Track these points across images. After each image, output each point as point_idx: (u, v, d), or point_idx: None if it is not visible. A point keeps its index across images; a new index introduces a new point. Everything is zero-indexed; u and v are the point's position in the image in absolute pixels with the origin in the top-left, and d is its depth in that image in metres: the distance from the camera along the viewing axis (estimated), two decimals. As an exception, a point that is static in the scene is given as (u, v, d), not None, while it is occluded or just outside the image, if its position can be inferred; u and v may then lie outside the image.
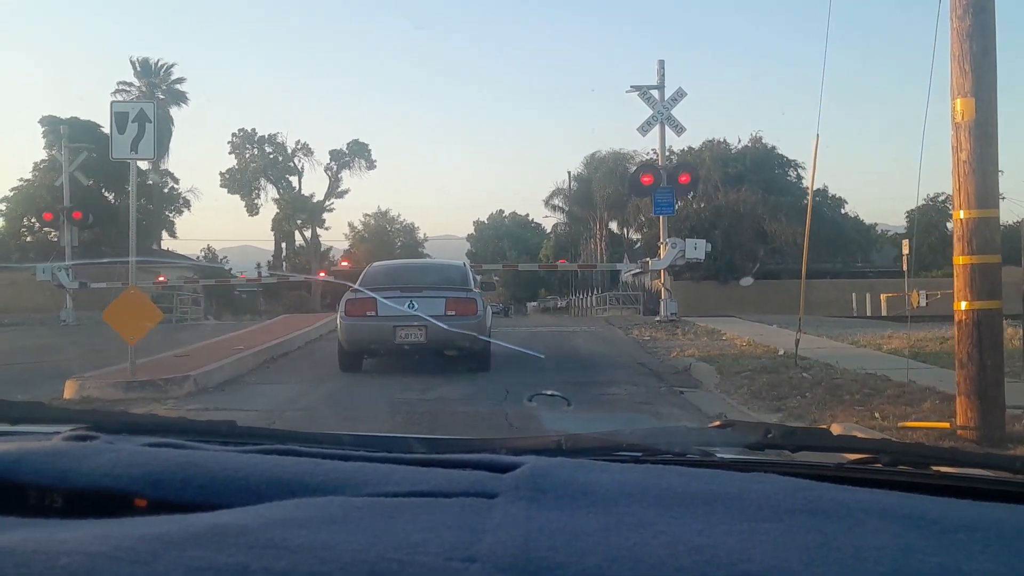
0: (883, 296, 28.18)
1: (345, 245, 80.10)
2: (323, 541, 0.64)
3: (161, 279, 24.89)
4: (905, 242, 30.15)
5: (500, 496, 0.76)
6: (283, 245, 58.67)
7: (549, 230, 72.18)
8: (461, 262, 13.64)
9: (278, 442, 1.04)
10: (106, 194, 44.54)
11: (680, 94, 18.00)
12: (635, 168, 18.76)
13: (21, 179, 42.64)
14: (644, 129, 18.11)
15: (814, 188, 12.14)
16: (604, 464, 0.92)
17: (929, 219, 41.23)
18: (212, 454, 0.89)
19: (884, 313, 27.00)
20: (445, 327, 9.88)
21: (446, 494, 0.77)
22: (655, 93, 18.19)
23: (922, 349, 12.09)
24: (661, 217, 18.45)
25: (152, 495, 0.78)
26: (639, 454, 1.07)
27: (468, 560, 0.61)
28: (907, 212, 42.66)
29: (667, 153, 48.31)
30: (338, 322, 10.74)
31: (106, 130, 44.17)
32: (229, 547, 0.63)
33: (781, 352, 11.98)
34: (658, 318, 18.19)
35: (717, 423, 1.33)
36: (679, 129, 18.12)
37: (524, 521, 0.69)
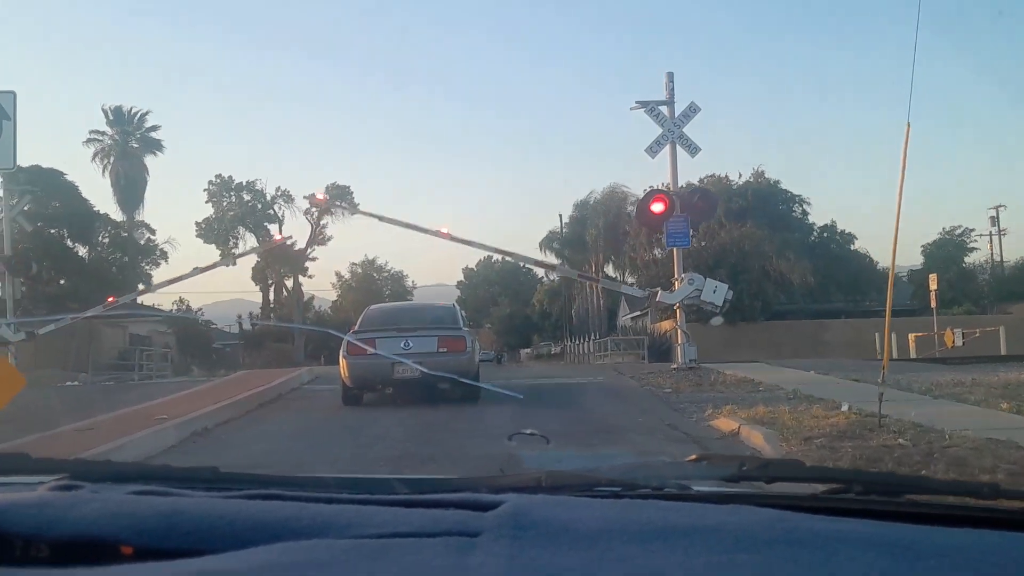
0: (911, 336, 25.82)
1: (332, 294, 78.58)
2: None
3: (110, 300, 22.14)
4: (933, 276, 27.95)
5: (483, 535, 0.76)
6: (271, 296, 56.26)
7: (541, 275, 70.72)
8: (452, 304, 14.54)
9: (261, 487, 1.02)
10: (73, 246, 41.96)
11: (693, 109, 15.82)
12: (644, 194, 16.27)
13: (-21, 230, 40.07)
14: (653, 150, 15.88)
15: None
16: (584, 500, 0.94)
17: (946, 253, 39.13)
18: (197, 500, 0.88)
19: (913, 355, 24.66)
20: (431, 369, 10.16)
21: (429, 534, 0.77)
22: (664, 109, 16.01)
23: (1019, 398, 9.68)
24: (675, 250, 16.15)
25: (138, 543, 0.78)
26: (618, 489, 1.06)
27: None
28: (923, 247, 40.48)
29: (663, 188, 46.69)
30: (341, 361, 11.55)
31: (71, 178, 41.67)
32: None
33: (845, 408, 9.55)
34: (674, 366, 15.75)
35: (693, 456, 1.31)
36: (693, 149, 15.90)
37: (507, 559, 0.70)
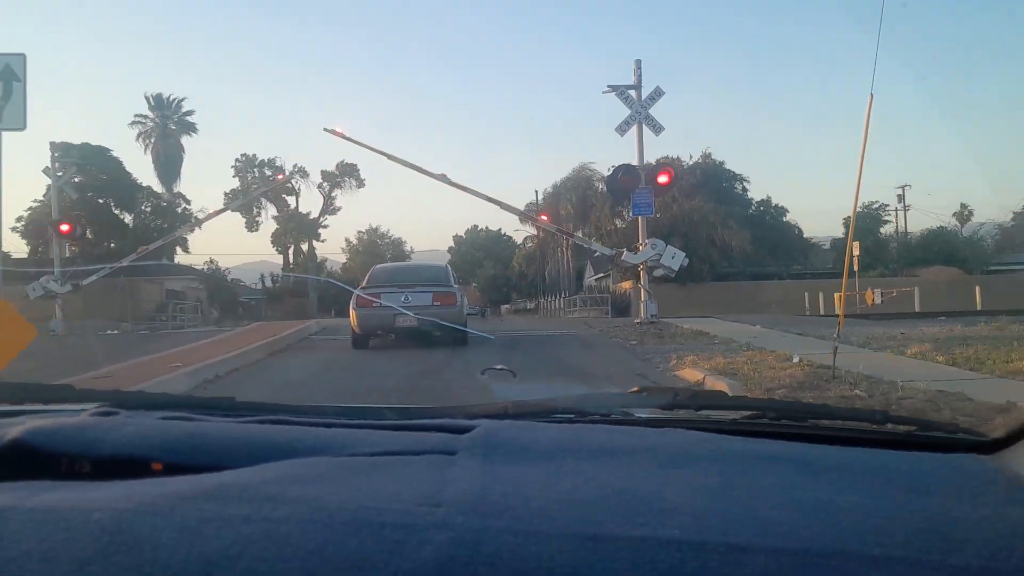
0: (837, 295, 25.21)
1: (342, 258, 77.48)
2: (313, 494, 0.65)
3: (141, 249, 21.12)
4: (856, 243, 27.33)
5: (459, 453, 0.76)
6: (290, 258, 55.00)
7: (520, 242, 70.07)
8: (444, 264, 14.57)
9: (272, 414, 1.01)
10: (120, 213, 40.56)
11: (657, 93, 14.90)
12: (613, 169, 15.35)
13: (36, 200, 38.61)
14: (623, 129, 14.95)
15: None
16: (544, 425, 0.94)
17: (864, 224, 38.46)
18: (216, 425, 0.88)
19: (839, 312, 24.08)
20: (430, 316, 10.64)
21: (414, 452, 0.78)
22: (632, 93, 15.07)
23: (950, 352, 8.99)
24: (640, 218, 15.33)
25: (167, 460, 0.77)
26: (572, 416, 1.07)
27: (435, 505, 0.62)
28: (844, 218, 39.76)
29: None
30: (351, 312, 11.60)
31: (116, 154, 40.13)
32: (234, 501, 0.63)
33: (796, 359, 8.84)
34: (637, 320, 15.04)
35: (635, 389, 1.29)
36: (657, 128, 15.00)
37: (480, 473, 0.71)
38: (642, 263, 14.97)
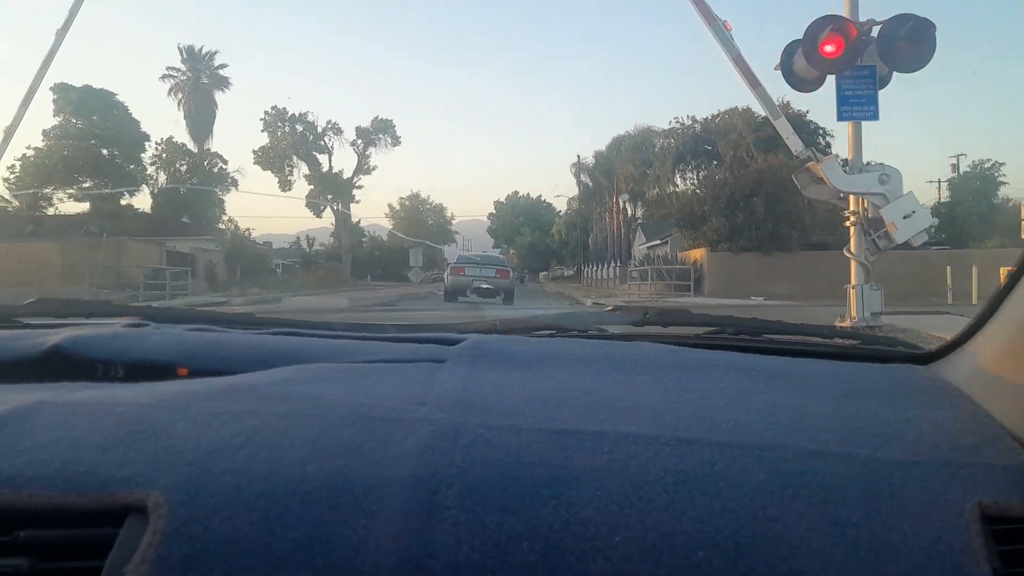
0: (1003, 270, 16.81)
1: (385, 222, 70.40)
2: (314, 392, 0.67)
3: None
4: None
5: (448, 361, 0.77)
6: (333, 221, 47.62)
7: (559, 209, 62.38)
8: (502, 256, 22.52)
9: (284, 327, 1.00)
10: (126, 165, 33.18)
11: None
12: (811, 24, 7.03)
13: (29, 147, 31.26)
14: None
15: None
16: (526, 338, 0.95)
17: (975, 187, 29.46)
18: (234, 335, 0.89)
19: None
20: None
21: (409, 360, 0.79)
22: None
23: None
24: (850, 128, 7.28)
25: (190, 365, 0.79)
26: (552, 332, 1.06)
27: (420, 404, 0.65)
28: (949, 180, 30.66)
29: (688, 121, 36.47)
30: (446, 277, 17.61)
31: (121, 99, 32.23)
32: (242, 398, 0.65)
33: None
34: (843, 322, 6.98)
35: (610, 307, 1.28)
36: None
37: (464, 376, 0.72)
38: (858, 213, 7.01)
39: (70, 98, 32.33)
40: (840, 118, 7.26)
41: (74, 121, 32.31)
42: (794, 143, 7.25)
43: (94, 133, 32.16)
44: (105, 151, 32.58)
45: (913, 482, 0.58)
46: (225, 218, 39.61)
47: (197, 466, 0.56)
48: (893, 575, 0.52)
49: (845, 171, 7.07)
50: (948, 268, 18.95)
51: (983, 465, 0.59)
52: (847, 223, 7.29)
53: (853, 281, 7.21)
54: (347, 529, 0.52)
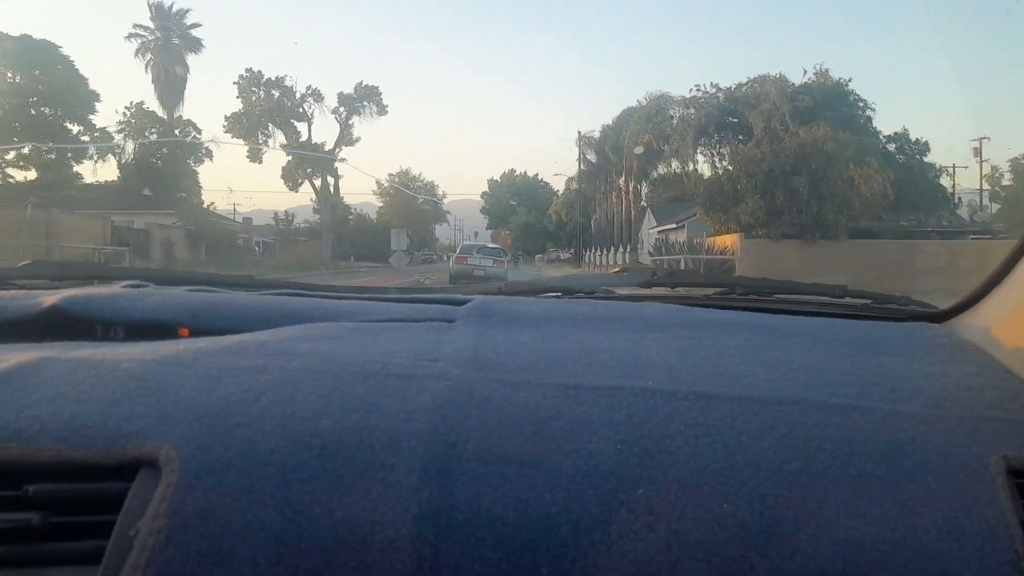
0: None
1: (373, 200, 66.54)
2: (324, 349, 0.65)
3: None
4: None
5: (457, 320, 0.76)
6: (313, 197, 43.69)
7: (557, 189, 58.60)
8: (500, 247, 24.32)
9: (288, 288, 0.98)
10: (68, 126, 29.04)
11: None
12: None
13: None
14: None
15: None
16: (533, 299, 0.93)
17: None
18: (236, 295, 0.86)
19: None
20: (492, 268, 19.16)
21: (416, 320, 0.77)
22: None
23: None
24: None
25: (191, 324, 0.76)
26: (559, 293, 1.05)
27: (432, 360, 0.64)
28: (1009, 161, 27.18)
29: (712, 89, 32.59)
30: (451, 264, 20.65)
31: (66, 52, 27.92)
32: (251, 355, 0.64)
33: None
34: None
35: (616, 268, 1.21)
36: None
37: (474, 335, 0.71)
38: None
39: (5, 49, 27.99)
40: None
41: (9, 75, 28.01)
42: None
43: (34, 89, 27.91)
44: (47, 110, 28.33)
45: (936, 436, 0.57)
46: (201, 191, 35.72)
47: (208, 420, 0.55)
48: (919, 527, 0.52)
49: None
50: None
51: (1006, 419, 0.59)
52: None
53: None
54: (366, 482, 0.52)
